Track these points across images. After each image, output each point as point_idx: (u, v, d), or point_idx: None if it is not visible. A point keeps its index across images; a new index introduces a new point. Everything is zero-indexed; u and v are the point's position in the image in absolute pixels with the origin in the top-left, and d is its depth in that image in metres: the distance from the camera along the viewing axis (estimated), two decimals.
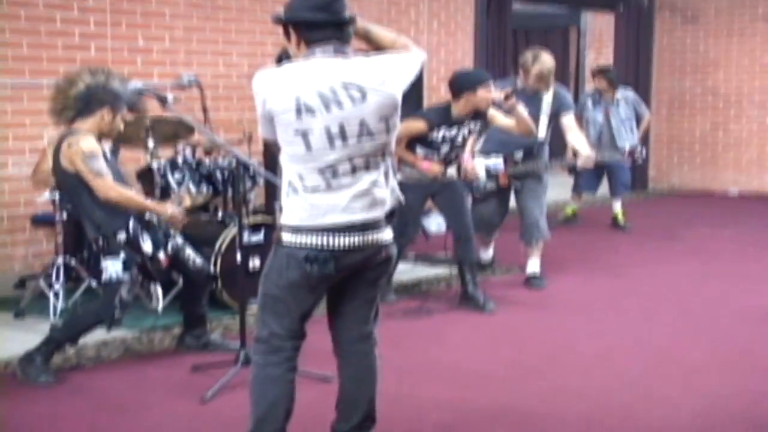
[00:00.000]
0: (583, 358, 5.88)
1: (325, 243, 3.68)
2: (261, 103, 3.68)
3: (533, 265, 7.90)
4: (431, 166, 6.81)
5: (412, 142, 6.78)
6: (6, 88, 7.72)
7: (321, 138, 3.61)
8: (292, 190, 3.70)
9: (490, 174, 7.58)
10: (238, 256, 5.53)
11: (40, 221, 7.35)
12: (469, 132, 6.86)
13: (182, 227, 5.65)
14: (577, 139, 7.78)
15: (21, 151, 7.84)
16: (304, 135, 3.61)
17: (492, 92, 6.61)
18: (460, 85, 6.66)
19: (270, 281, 3.82)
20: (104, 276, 5.41)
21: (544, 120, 7.61)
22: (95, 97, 5.40)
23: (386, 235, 3.84)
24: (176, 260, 5.66)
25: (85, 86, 5.43)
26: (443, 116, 6.73)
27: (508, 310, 7.05)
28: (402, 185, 6.83)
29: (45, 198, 6.62)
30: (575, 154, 7.94)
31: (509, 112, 6.76)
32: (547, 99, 7.61)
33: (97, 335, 5.98)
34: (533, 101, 7.47)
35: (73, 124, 5.42)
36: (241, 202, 5.86)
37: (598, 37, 16.12)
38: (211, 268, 6.17)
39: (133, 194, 5.43)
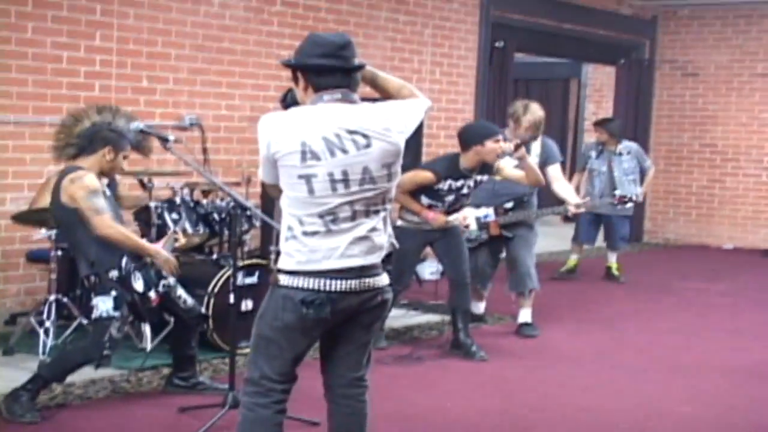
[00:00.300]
0: (572, 411, 5.87)
1: (322, 286, 3.69)
2: (265, 145, 3.69)
3: (525, 315, 7.92)
4: (436, 217, 6.85)
5: (418, 190, 6.82)
6: (8, 125, 7.77)
7: (324, 183, 3.63)
8: (291, 235, 3.72)
9: (481, 224, 7.61)
10: (231, 298, 5.53)
11: (35, 258, 7.35)
12: (476, 183, 6.90)
13: (176, 272, 5.65)
14: (563, 189, 7.86)
15: (20, 187, 7.86)
16: (308, 179, 3.63)
17: (501, 144, 6.68)
18: (469, 137, 6.72)
19: (264, 322, 3.83)
20: (95, 313, 5.42)
21: None
22: (98, 136, 5.43)
23: (383, 279, 3.85)
24: (167, 300, 5.66)
25: (91, 124, 5.48)
26: (451, 168, 6.77)
27: (499, 358, 7.05)
28: (402, 231, 6.94)
29: (41, 235, 6.63)
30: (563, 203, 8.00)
31: (519, 161, 6.84)
32: (536, 149, 7.68)
33: (84, 374, 5.96)
34: None
35: (75, 161, 5.45)
36: (236, 243, 5.88)
37: (599, 89, 16.24)
38: (203, 309, 6.17)
39: (130, 234, 5.44)
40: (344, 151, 3.64)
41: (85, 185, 5.29)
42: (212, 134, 8.86)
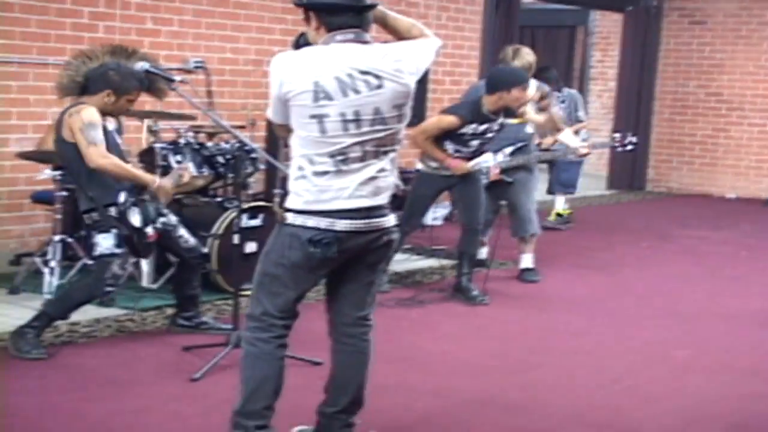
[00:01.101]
0: (571, 354, 5.93)
1: (329, 225, 3.73)
2: (277, 85, 3.70)
3: (527, 260, 7.96)
4: (459, 165, 6.87)
5: (442, 137, 6.83)
6: (12, 65, 7.77)
7: (336, 123, 3.66)
8: (301, 174, 3.75)
9: (482, 170, 7.59)
10: (235, 239, 5.56)
11: (40, 199, 7.38)
12: (500, 127, 6.92)
13: (170, 199, 5.64)
14: (564, 134, 7.89)
15: (24, 128, 7.88)
16: (320, 119, 3.66)
17: (527, 94, 6.71)
18: (496, 82, 6.72)
19: (269, 260, 3.86)
20: (96, 251, 5.45)
21: None
22: (102, 78, 5.42)
23: (389, 220, 3.89)
24: (168, 239, 5.70)
25: (99, 65, 5.47)
26: (475, 111, 6.78)
27: (500, 303, 7.10)
28: (420, 175, 6.98)
29: (46, 175, 6.66)
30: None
31: (543, 111, 6.87)
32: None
33: (89, 313, 6.05)
34: None
35: (79, 99, 5.46)
36: (240, 185, 5.90)
37: (605, 37, 16.16)
38: (205, 249, 6.20)
39: (124, 164, 5.41)
40: (356, 92, 3.66)
41: (81, 117, 5.29)
42: (217, 77, 8.87)
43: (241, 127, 7.51)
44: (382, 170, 3.80)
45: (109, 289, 5.46)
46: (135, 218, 5.44)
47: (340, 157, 3.70)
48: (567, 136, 7.92)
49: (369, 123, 3.69)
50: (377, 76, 3.68)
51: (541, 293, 7.57)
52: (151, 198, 5.55)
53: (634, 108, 14.44)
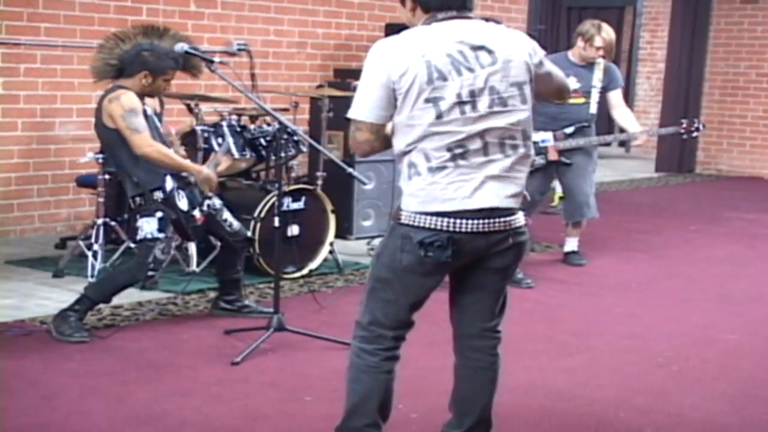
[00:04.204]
0: (616, 338, 5.85)
1: (444, 226, 3.38)
2: (384, 73, 3.38)
3: (572, 244, 7.86)
4: None
5: None
6: (56, 49, 7.79)
7: (452, 105, 3.34)
8: (415, 172, 3.41)
9: (539, 149, 7.45)
10: (276, 222, 5.52)
11: (84, 182, 7.41)
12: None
13: (216, 190, 5.66)
14: (624, 116, 7.65)
15: (68, 112, 7.92)
16: (435, 102, 3.34)
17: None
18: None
19: (381, 263, 3.55)
20: (139, 234, 5.45)
21: (595, 94, 7.47)
22: (138, 59, 5.39)
23: (517, 220, 3.53)
24: (213, 223, 5.68)
25: (133, 46, 5.45)
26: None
27: (545, 286, 7.03)
28: None
29: (89, 158, 6.67)
30: (622, 131, 7.85)
31: None
32: (598, 74, 7.46)
33: (132, 296, 6.06)
34: (585, 75, 7.38)
35: (115, 81, 5.45)
36: (282, 167, 5.87)
37: (654, 17, 15.97)
38: (248, 232, 6.18)
39: (169, 152, 5.42)
40: (470, 70, 3.35)
41: (121, 104, 5.27)
42: (260, 60, 8.87)
43: (284, 110, 7.49)
44: (511, 169, 3.45)
45: (152, 273, 5.46)
46: (182, 202, 5.44)
47: (458, 150, 3.36)
48: (627, 119, 7.70)
49: (487, 104, 3.37)
50: (490, 51, 3.38)
51: (587, 276, 7.48)
52: (195, 183, 5.54)
53: (684, 89, 14.25)
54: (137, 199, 5.45)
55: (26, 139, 7.77)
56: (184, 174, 5.51)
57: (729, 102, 14.51)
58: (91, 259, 6.47)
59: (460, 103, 3.35)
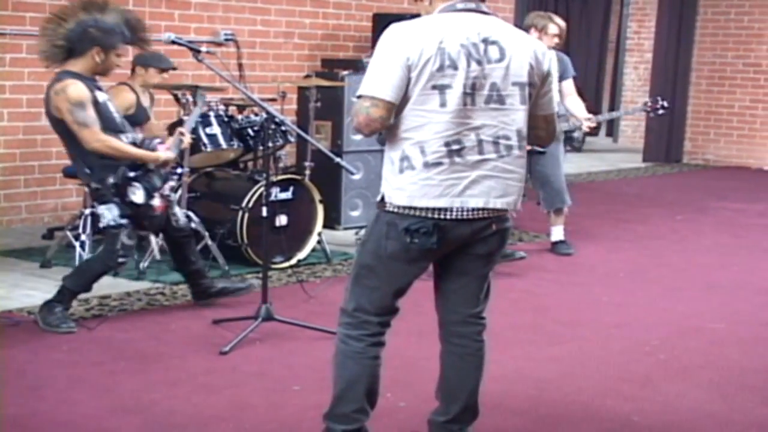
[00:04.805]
0: (604, 327, 5.87)
1: (429, 213, 3.41)
2: (402, 54, 3.35)
3: (558, 232, 7.88)
4: None
5: None
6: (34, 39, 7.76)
7: (457, 95, 3.36)
8: (408, 165, 3.41)
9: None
10: (264, 212, 5.51)
11: (71, 173, 7.35)
12: None
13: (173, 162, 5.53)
14: (575, 105, 7.66)
15: None
16: (441, 90, 3.35)
17: None
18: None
19: (366, 250, 3.58)
20: (102, 222, 5.37)
21: (555, 84, 7.48)
22: (85, 36, 5.19)
23: (499, 205, 3.53)
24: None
25: (76, 23, 5.20)
26: None
27: (533, 275, 7.05)
28: None
29: None
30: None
31: None
32: (554, 64, 7.47)
33: (121, 286, 6.07)
34: None
35: (65, 65, 5.26)
36: (269, 158, 5.86)
37: (641, 7, 15.97)
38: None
39: (121, 145, 5.23)
40: (478, 62, 3.38)
41: (68, 97, 5.12)
42: (247, 50, 8.86)
43: (272, 100, 7.47)
44: (504, 170, 3.47)
45: (122, 259, 5.39)
46: (137, 195, 5.29)
47: (455, 147, 3.38)
48: (577, 108, 7.72)
49: (484, 99, 3.39)
50: (501, 48, 3.41)
51: (574, 265, 7.50)
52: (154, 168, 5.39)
53: (671, 79, 14.27)
54: (92, 185, 5.35)
55: (12, 130, 7.75)
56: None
57: (716, 92, 14.54)
58: (78, 249, 6.46)
59: (464, 94, 3.37)
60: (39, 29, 5.39)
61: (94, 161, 5.27)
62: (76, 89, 5.14)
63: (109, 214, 5.32)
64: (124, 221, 5.31)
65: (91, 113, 5.16)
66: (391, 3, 10.28)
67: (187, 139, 5.74)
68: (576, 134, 7.55)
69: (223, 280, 6.00)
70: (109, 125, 5.28)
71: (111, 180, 5.25)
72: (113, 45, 5.27)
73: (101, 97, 5.32)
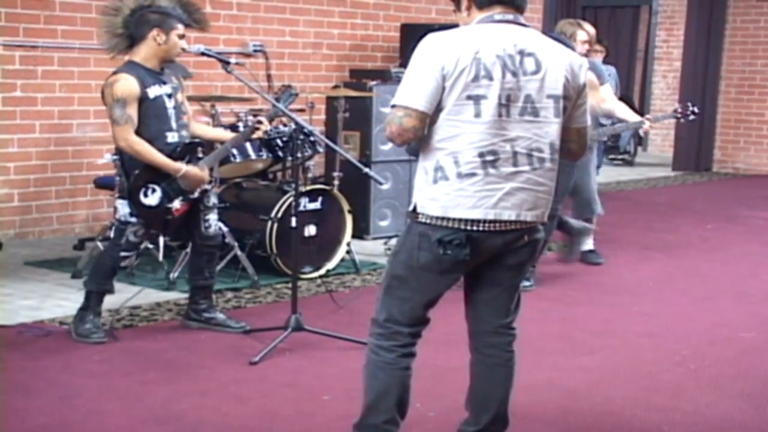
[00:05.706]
0: (634, 336, 5.84)
1: (462, 225, 3.41)
2: (437, 64, 3.34)
3: (588, 242, 7.85)
4: None
5: None
6: (73, 51, 7.83)
7: (492, 106, 3.35)
8: (442, 176, 3.41)
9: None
10: (293, 222, 5.52)
11: (102, 184, 7.44)
12: None
13: (198, 187, 5.42)
14: (620, 109, 7.60)
15: (86, 114, 7.96)
16: (476, 101, 3.35)
17: None
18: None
19: (398, 261, 3.57)
20: (116, 214, 5.46)
21: None
22: (142, 20, 5.23)
23: (530, 218, 3.52)
24: (193, 217, 5.50)
25: (130, 11, 5.24)
26: None
27: (562, 285, 7.03)
28: None
29: (107, 160, 6.69)
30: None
31: None
32: None
33: (151, 297, 6.10)
34: None
35: (130, 54, 5.29)
36: (298, 168, 5.88)
37: (670, 16, 15.92)
38: (267, 235, 6.14)
39: (143, 148, 5.17)
40: (514, 74, 3.37)
41: (113, 92, 5.14)
42: (276, 61, 8.90)
43: (301, 111, 7.51)
44: (537, 183, 3.46)
45: (125, 253, 5.39)
46: (150, 197, 5.28)
47: (490, 158, 3.37)
48: (624, 112, 7.71)
49: (518, 111, 3.38)
50: (537, 60, 3.40)
51: (604, 274, 7.47)
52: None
53: (700, 88, 14.21)
54: (121, 178, 5.39)
55: (44, 142, 7.82)
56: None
57: (746, 100, 14.46)
58: None
59: (499, 105, 3.36)
60: (99, 24, 5.39)
61: (128, 157, 5.28)
62: (123, 85, 5.15)
63: (122, 209, 5.35)
64: (132, 219, 5.33)
65: (128, 111, 5.15)
66: (419, 13, 10.30)
67: (265, 127, 5.61)
68: (625, 136, 7.46)
69: (222, 315, 5.72)
70: (158, 122, 5.25)
71: (135, 172, 5.27)
72: (171, 25, 5.27)
73: (156, 91, 5.27)
